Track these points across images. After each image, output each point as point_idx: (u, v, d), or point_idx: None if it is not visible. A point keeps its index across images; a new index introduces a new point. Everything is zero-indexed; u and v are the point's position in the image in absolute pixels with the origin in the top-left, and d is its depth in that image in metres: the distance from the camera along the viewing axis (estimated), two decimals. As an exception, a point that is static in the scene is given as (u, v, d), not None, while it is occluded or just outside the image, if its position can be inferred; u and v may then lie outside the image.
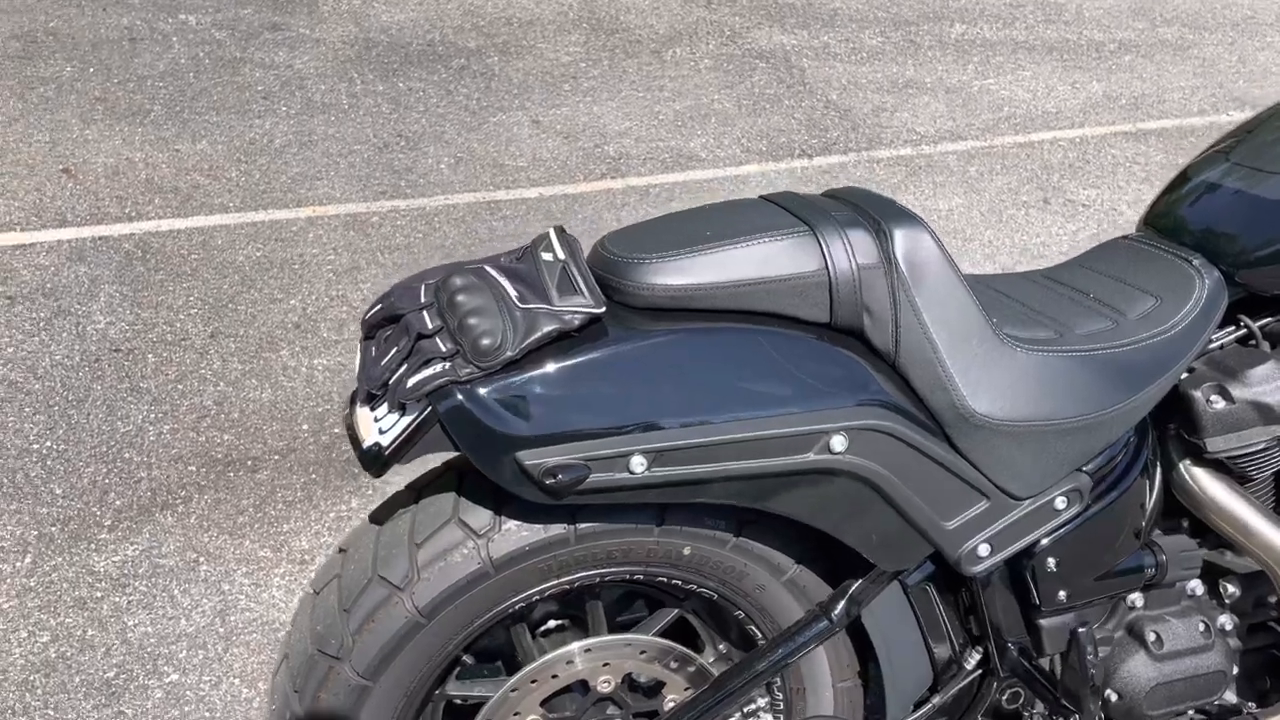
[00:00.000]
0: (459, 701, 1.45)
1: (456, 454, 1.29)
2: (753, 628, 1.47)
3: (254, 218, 3.51)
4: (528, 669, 1.39)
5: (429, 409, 1.20)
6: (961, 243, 3.72)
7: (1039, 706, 1.53)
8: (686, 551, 1.37)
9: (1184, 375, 1.53)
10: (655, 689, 1.49)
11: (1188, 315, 1.47)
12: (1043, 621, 1.49)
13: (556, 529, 1.30)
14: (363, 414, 1.27)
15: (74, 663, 2.05)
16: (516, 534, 1.30)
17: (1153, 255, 1.58)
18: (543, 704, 1.43)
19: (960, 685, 1.52)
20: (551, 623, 1.52)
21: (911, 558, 1.39)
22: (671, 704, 1.46)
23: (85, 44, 4.53)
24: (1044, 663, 1.52)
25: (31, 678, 2.02)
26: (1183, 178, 1.67)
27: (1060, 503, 1.42)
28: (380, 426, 1.24)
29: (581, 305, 1.23)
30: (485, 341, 1.19)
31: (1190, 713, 1.62)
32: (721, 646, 1.54)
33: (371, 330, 1.27)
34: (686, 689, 1.47)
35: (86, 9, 4.84)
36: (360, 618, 1.29)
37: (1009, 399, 1.34)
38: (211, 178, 3.71)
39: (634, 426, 1.22)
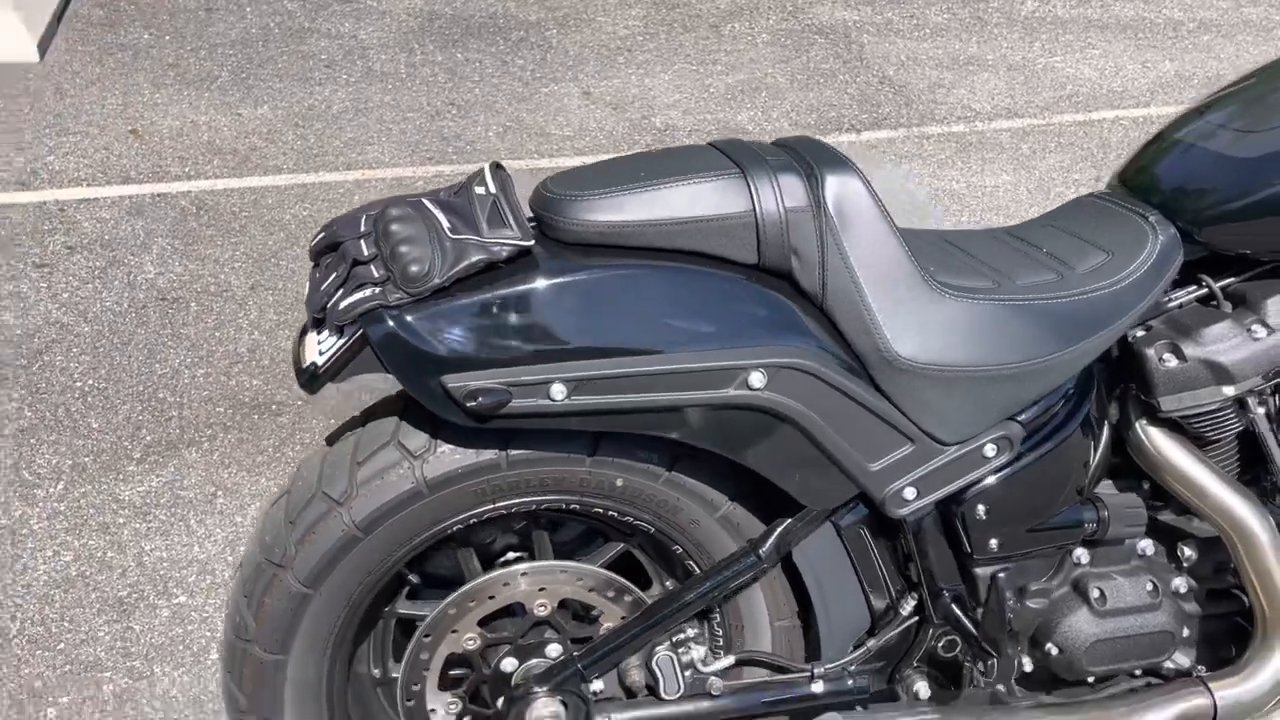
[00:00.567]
0: (408, 619, 1.53)
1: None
2: (691, 563, 1.51)
3: (305, 179, 3.65)
4: (466, 587, 1.46)
5: (360, 332, 1.27)
6: (1003, 219, 3.67)
7: (976, 656, 1.55)
8: (619, 483, 1.42)
9: (1139, 333, 1.53)
10: (593, 617, 1.54)
11: (1136, 271, 1.46)
12: (977, 570, 1.51)
13: (489, 454, 1.36)
14: (309, 338, 1.35)
15: (92, 581, 2.19)
16: (450, 457, 1.36)
17: (1112, 212, 1.57)
18: (481, 624, 1.50)
19: (897, 631, 1.55)
20: (511, 555, 1.59)
21: (836, 497, 1.42)
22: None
23: (164, 12, 4.75)
24: (979, 613, 1.53)
25: (52, 592, 2.17)
26: (1158, 136, 1.65)
27: (990, 450, 1.43)
28: (320, 349, 1.32)
29: (509, 238, 1.28)
30: (414, 269, 1.25)
31: (1138, 672, 1.62)
32: (668, 583, 1.59)
33: (317, 257, 1.35)
34: (623, 619, 1.52)
35: (169, -20, 5.06)
36: (302, 529, 1.38)
37: (935, 344, 1.36)
38: (269, 140, 3.86)
39: (555, 355, 1.28)
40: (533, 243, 1.29)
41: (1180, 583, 1.61)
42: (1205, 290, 1.55)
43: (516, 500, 1.41)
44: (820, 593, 1.52)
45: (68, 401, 2.64)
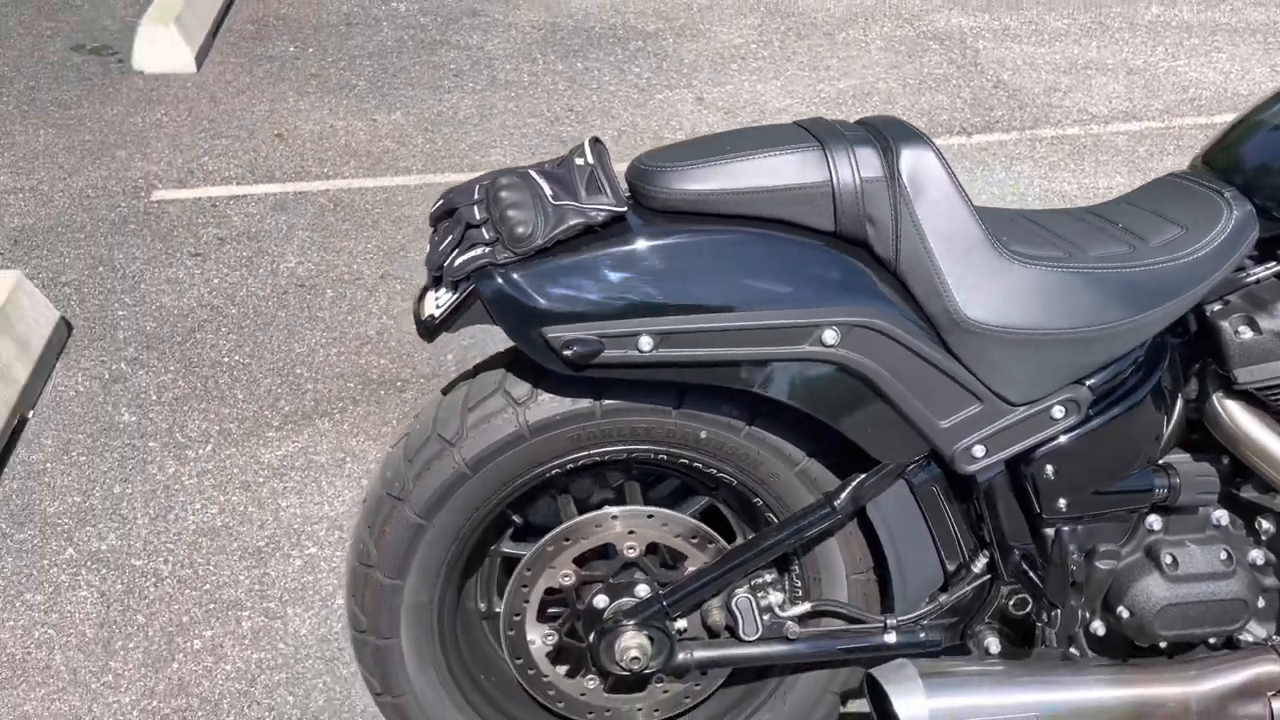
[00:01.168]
0: (512, 558, 1.67)
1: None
2: (771, 517, 1.62)
3: (432, 179, 3.88)
4: (563, 526, 1.60)
5: (472, 288, 1.43)
6: (1114, 220, 3.64)
7: (1047, 616, 1.61)
8: (703, 435, 1.54)
9: (1216, 307, 1.57)
10: (678, 564, 1.66)
11: (1208, 245, 1.51)
12: (1046, 530, 1.57)
13: (584, 403, 1.50)
14: (428, 295, 1.51)
15: (234, 532, 2.42)
16: (549, 404, 1.50)
17: (1190, 190, 1.62)
18: (576, 562, 1.63)
19: (969, 587, 1.62)
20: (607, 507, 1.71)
21: (907, 452, 1.51)
22: (690, 575, 1.63)
23: (308, 27, 5.08)
24: (1049, 571, 1.59)
25: (199, 540, 2.40)
26: (1240, 119, 1.69)
27: (1057, 411, 1.49)
28: (437, 303, 1.48)
29: (605, 204, 1.42)
30: (520, 230, 1.40)
31: (1212, 641, 1.65)
32: (751, 536, 1.69)
33: (434, 223, 1.51)
34: (706, 565, 1.63)
35: (313, -2, 5.42)
36: (419, 466, 1.54)
37: (1004, 307, 1.44)
38: (400, 144, 4.11)
39: (644, 309, 1.40)
40: (626, 209, 1.43)
41: (1257, 555, 1.64)
42: (1283, 266, 1.58)
43: (609, 448, 1.54)
44: (894, 548, 1.60)
45: (216, 375, 2.90)
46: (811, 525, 1.57)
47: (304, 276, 3.32)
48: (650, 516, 1.62)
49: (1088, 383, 1.50)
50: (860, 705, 1.67)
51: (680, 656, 1.62)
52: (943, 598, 1.63)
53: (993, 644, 1.63)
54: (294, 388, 2.86)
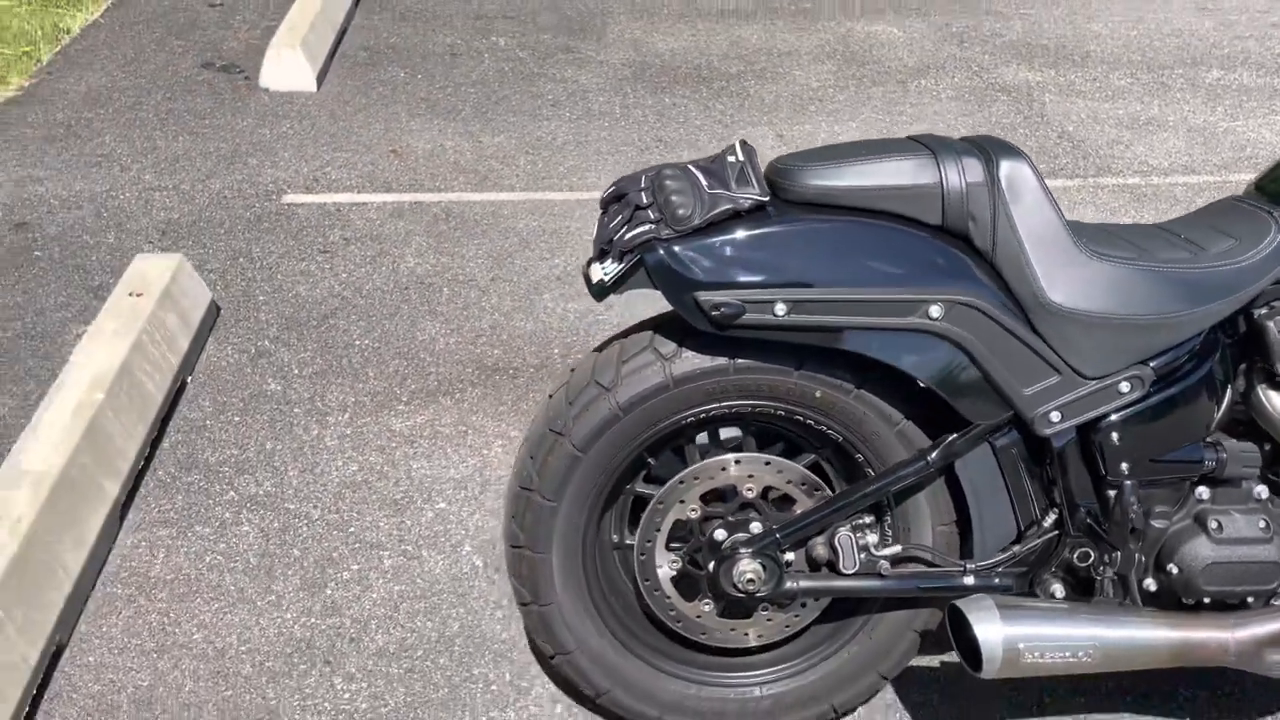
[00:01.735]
0: (644, 497, 1.96)
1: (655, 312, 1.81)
2: (870, 470, 1.90)
3: (534, 196, 4.22)
4: (693, 466, 1.89)
5: (638, 258, 1.73)
6: (1171, 261, 3.89)
7: (1106, 568, 1.86)
8: (818, 394, 1.82)
9: (1262, 311, 1.84)
10: (788, 506, 1.94)
11: (1258, 254, 1.78)
12: (1109, 491, 1.83)
13: (720, 360, 1.79)
14: (594, 266, 1.82)
15: (373, 486, 2.73)
16: (692, 360, 1.80)
17: (1246, 211, 1.89)
18: (702, 499, 1.91)
19: (1038, 540, 1.88)
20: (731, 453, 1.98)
21: (993, 414, 1.78)
22: (799, 516, 1.91)
23: (417, 56, 5.49)
24: (1110, 528, 1.85)
25: (343, 491, 2.71)
26: (1295, 152, 1.96)
27: (1124, 386, 1.76)
28: (605, 271, 1.78)
29: (751, 193, 1.72)
30: (681, 211, 1.70)
31: (1251, 599, 1.89)
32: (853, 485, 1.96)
33: (605, 206, 1.82)
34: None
35: (420, 29, 5.83)
36: (579, 407, 1.83)
37: (1082, 294, 1.72)
38: (504, 164, 4.47)
39: (780, 281, 1.70)
40: (768, 198, 1.73)
41: (1294, 528, 1.88)
42: (1329, 276, 1.84)
43: (738, 402, 1.83)
44: (976, 502, 1.87)
45: (349, 355, 3.23)
46: (906, 478, 1.84)
47: (422, 275, 3.66)
48: (768, 463, 1.90)
49: (1151, 364, 1.77)
50: (926, 660, 1.92)
51: (788, 584, 1.89)
52: (1015, 548, 1.89)
53: (1058, 591, 1.89)
54: (419, 370, 3.18)
